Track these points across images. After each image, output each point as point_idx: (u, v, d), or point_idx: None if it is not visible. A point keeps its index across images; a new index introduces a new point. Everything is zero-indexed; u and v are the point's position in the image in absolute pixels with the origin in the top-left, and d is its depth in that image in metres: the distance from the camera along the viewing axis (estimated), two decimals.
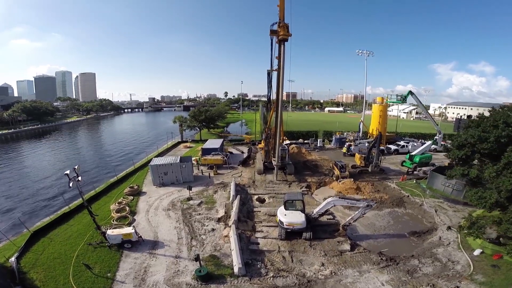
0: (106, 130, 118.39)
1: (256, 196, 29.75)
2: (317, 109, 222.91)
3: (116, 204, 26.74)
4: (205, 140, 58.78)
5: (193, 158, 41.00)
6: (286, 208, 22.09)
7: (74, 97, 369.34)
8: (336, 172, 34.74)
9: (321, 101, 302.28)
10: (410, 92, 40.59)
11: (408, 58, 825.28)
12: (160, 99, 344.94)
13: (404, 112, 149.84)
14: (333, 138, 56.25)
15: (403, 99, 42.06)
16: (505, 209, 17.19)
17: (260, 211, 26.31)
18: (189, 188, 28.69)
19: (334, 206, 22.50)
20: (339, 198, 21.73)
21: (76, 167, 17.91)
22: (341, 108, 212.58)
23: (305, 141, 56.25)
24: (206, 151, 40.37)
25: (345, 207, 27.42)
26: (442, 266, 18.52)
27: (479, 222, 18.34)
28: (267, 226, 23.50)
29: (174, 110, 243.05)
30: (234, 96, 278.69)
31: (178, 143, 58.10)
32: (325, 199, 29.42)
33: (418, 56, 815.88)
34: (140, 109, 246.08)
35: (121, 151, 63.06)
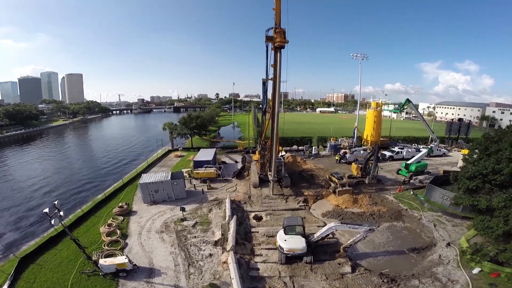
0: (94, 135, 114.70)
1: (252, 214, 28.79)
2: (308, 109, 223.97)
3: (106, 227, 25.28)
4: (197, 148, 57.72)
5: (184, 171, 39.70)
6: (286, 233, 21.38)
7: (60, 98, 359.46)
8: (333, 184, 34.06)
9: (312, 100, 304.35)
10: (408, 100, 40.38)
11: (396, 57, 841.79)
12: (149, 100, 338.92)
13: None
14: (328, 145, 55.78)
15: (400, 108, 41.83)
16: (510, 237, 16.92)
17: (258, 232, 25.43)
18: (183, 210, 27.39)
19: (336, 231, 22.06)
20: (341, 223, 21.18)
21: (55, 202, 16.51)
22: (332, 109, 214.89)
23: (300, 148, 55.54)
24: (198, 164, 38.93)
25: (343, 222, 27.09)
26: (442, 286, 18.51)
27: (483, 250, 18.21)
28: (266, 248, 22.77)
29: (164, 111, 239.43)
30: (225, 96, 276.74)
31: (169, 152, 56.27)
32: (323, 215, 29.30)
33: (406, 55, 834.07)
34: (129, 111, 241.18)
35: (109, 161, 60.70)
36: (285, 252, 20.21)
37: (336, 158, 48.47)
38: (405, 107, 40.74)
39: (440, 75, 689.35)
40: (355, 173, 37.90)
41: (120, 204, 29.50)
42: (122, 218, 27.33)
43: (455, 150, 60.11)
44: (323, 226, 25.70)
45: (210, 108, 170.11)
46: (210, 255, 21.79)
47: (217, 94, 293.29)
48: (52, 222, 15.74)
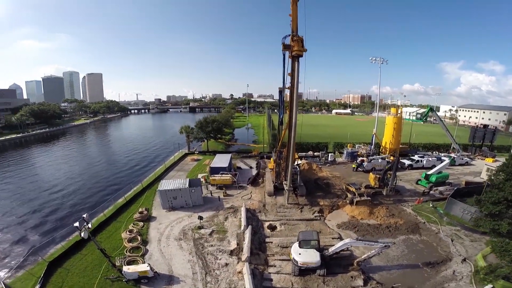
0: (113, 135, 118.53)
1: (267, 223, 28.97)
2: (324, 111, 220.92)
3: (127, 233, 26.25)
4: (212, 152, 58.76)
5: (201, 176, 40.55)
6: (300, 247, 21.57)
7: (81, 97, 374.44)
8: (350, 195, 33.65)
9: (327, 101, 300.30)
10: (431, 109, 39.21)
11: (415, 56, 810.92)
12: (166, 100, 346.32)
13: (414, 114, 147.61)
14: (345, 152, 54.84)
15: (423, 117, 40.60)
16: None
17: (272, 242, 25.65)
18: (200, 218, 28.04)
19: (351, 247, 22.13)
20: (356, 240, 21.32)
21: (84, 215, 17.46)
22: (348, 110, 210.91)
23: (315, 154, 55.08)
24: (214, 170, 39.60)
25: (358, 234, 26.99)
26: None
27: (497, 271, 18.35)
28: (279, 260, 23.04)
29: (180, 111, 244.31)
30: (239, 97, 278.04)
31: (185, 155, 57.46)
32: (338, 226, 29.13)
33: (426, 54, 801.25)
34: (146, 110, 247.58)
35: (130, 162, 62.86)
36: (299, 265, 20.47)
37: (353, 166, 47.73)
38: (428, 116, 39.43)
39: (462, 75, 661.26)
40: (373, 183, 37.25)
41: (140, 210, 30.51)
42: (142, 224, 28.29)
43: (478, 159, 57.70)
44: (338, 238, 26.06)
45: (224, 109, 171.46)
46: (226, 264, 22.35)
47: (232, 95, 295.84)
48: (82, 234, 16.68)
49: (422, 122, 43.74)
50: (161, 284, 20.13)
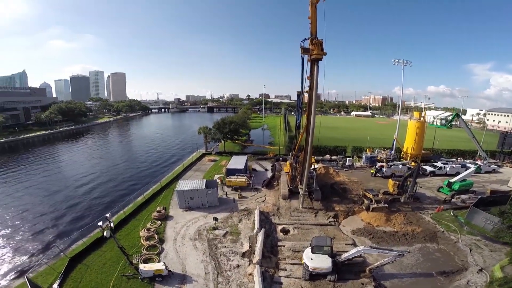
0: (135, 134, 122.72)
1: (280, 227, 28.92)
2: (343, 113, 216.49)
3: (145, 231, 27.15)
4: (229, 153, 59.43)
5: (217, 177, 41.15)
6: (313, 252, 21.47)
7: (105, 96, 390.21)
8: (367, 201, 32.87)
9: (347, 103, 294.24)
10: (457, 115, 37.44)
11: (440, 56, 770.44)
12: (185, 99, 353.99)
13: (439, 119, 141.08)
14: (363, 156, 53.51)
15: (448, 123, 38.84)
16: None
17: (284, 246, 25.66)
18: (215, 220, 28.56)
19: (364, 254, 21.87)
20: (370, 247, 21.05)
21: (107, 215, 18.28)
22: (368, 112, 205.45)
23: (333, 158, 54.17)
24: (230, 172, 40.06)
25: (373, 241, 26.60)
26: None
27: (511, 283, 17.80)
28: (291, 263, 23.09)
29: (199, 111, 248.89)
30: (256, 97, 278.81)
31: (203, 155, 58.59)
32: (353, 232, 28.70)
33: (452, 55, 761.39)
34: (166, 110, 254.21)
35: (150, 161, 64.90)
36: (309, 270, 20.43)
37: (372, 171, 46.51)
38: (454, 122, 37.64)
39: (492, 77, 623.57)
40: (391, 189, 36.15)
41: (158, 209, 31.43)
42: (159, 222, 29.16)
43: (507, 166, 54.52)
44: (352, 245, 25.77)
45: (241, 109, 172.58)
46: (238, 266, 22.68)
47: (248, 95, 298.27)
48: (105, 233, 17.47)
49: (446, 128, 41.50)
50: (174, 283, 20.68)
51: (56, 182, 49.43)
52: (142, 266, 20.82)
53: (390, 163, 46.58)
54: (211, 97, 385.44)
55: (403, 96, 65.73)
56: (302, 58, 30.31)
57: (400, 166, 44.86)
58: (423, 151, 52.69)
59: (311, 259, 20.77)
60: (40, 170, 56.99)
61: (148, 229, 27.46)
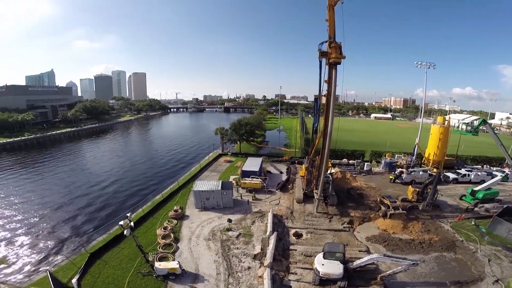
0: (154, 132, 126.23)
1: (293, 230, 28.84)
2: (362, 115, 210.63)
3: (162, 230, 27.96)
4: (244, 154, 59.95)
5: (232, 178, 41.62)
6: (325, 257, 21.35)
7: (127, 95, 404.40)
8: (384, 208, 32.04)
9: (366, 104, 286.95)
10: (484, 121, 35.67)
11: (467, 57, 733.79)
12: (202, 99, 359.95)
13: (465, 123, 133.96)
14: (382, 162, 51.94)
15: (474, 130, 37.04)
16: None
17: (296, 250, 25.62)
18: (229, 221, 28.99)
19: (377, 261, 21.62)
20: (384, 256, 20.93)
21: (128, 214, 19.02)
22: (389, 115, 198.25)
23: (350, 162, 53.14)
24: (245, 173, 40.41)
25: (388, 249, 26.08)
26: None
27: None
28: (301, 268, 23.08)
29: (216, 111, 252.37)
30: (272, 98, 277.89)
31: (219, 156, 59.41)
32: (368, 239, 28.21)
33: (479, 55, 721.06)
34: (184, 109, 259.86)
35: (168, 160, 66.72)
36: (320, 275, 20.33)
37: (391, 177, 45.17)
38: (480, 128, 35.89)
39: None
40: (410, 196, 35.02)
41: (175, 208, 32.27)
42: (176, 221, 29.90)
43: None
44: (366, 252, 25.44)
45: (257, 109, 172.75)
46: (249, 268, 22.89)
47: (264, 96, 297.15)
48: (125, 232, 18.25)
49: (472, 135, 39.48)
50: (187, 281, 21.16)
51: (81, 178, 51.87)
52: (157, 264, 21.46)
53: (410, 169, 45.02)
54: (228, 97, 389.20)
55: (426, 98, 63.31)
56: (320, 62, 29.92)
57: (420, 173, 43.28)
58: (446, 157, 50.52)
59: (323, 264, 20.72)
60: (66, 168, 60.04)
61: (165, 228, 28.27)
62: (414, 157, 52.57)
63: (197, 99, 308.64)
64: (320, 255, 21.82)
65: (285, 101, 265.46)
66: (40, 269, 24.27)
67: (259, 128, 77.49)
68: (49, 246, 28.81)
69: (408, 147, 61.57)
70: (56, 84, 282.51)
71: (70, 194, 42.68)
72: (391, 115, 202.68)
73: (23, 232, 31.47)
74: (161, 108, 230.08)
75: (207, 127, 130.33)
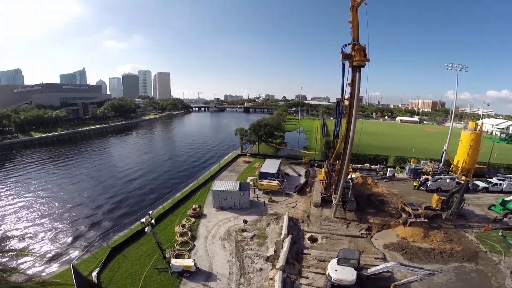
0: (177, 131, 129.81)
1: (308, 234, 28.50)
2: (387, 117, 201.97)
3: (180, 227, 28.80)
4: (263, 155, 60.11)
5: (250, 179, 41.84)
6: (338, 263, 21.01)
7: (152, 94, 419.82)
8: (405, 215, 30.80)
9: (392, 106, 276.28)
10: None
11: (503, 56, 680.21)
12: (223, 99, 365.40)
13: (499, 129, 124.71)
14: (407, 167, 49.52)
15: (509, 138, 34.69)
16: None
17: (310, 254, 25.39)
18: (245, 222, 29.20)
19: (392, 270, 21.07)
20: (399, 265, 20.15)
21: (150, 212, 19.88)
22: (416, 118, 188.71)
23: (372, 167, 51.47)
24: (263, 175, 40.44)
25: (405, 257, 25.31)
26: None
27: None
28: (314, 272, 22.92)
29: (236, 111, 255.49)
30: (292, 99, 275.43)
31: (238, 156, 59.99)
32: (385, 246, 27.43)
33: None
34: (206, 109, 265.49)
35: (189, 158, 68.46)
36: (332, 280, 20.02)
37: (415, 184, 43.20)
38: None
39: None
40: (434, 205, 33.43)
41: (194, 206, 33.11)
42: (194, 220, 30.65)
43: None
44: (382, 259, 24.89)
45: (276, 110, 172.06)
46: (261, 269, 23.06)
47: (284, 97, 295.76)
48: (146, 229, 19.05)
49: (507, 144, 36.93)
50: (200, 279, 21.68)
51: (106, 173, 54.72)
52: (173, 261, 22.13)
53: (436, 177, 42.83)
54: (248, 97, 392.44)
55: (457, 101, 59.87)
56: (343, 64, 29.26)
57: (448, 180, 41.00)
58: (476, 165, 47.53)
59: (336, 270, 20.44)
60: (94, 163, 63.58)
61: (183, 226, 29.08)
62: (441, 164, 49.85)
63: (218, 98, 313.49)
64: (334, 260, 21.54)
65: (306, 102, 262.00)
66: (63, 261, 25.69)
67: (278, 130, 77.29)
68: (72, 239, 30.29)
69: (435, 153, 58.63)
70: (87, 83, 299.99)
71: (96, 190, 44.98)
72: (419, 118, 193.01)
73: (50, 225, 33.24)
74: (184, 107, 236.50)
75: (227, 126, 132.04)
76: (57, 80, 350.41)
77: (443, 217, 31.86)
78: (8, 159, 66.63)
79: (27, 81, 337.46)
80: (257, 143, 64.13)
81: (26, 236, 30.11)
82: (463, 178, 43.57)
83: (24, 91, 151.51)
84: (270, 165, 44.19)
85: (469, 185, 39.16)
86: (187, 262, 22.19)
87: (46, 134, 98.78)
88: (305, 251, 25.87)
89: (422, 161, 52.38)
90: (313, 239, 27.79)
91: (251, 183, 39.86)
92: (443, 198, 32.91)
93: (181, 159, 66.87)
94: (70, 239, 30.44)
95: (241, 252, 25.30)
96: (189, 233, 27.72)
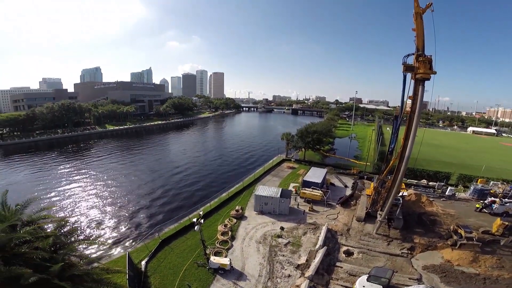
0: (228, 131, 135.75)
1: (345, 248, 28.02)
2: (456, 127, 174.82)
3: (223, 226, 30.99)
4: (308, 162, 59.51)
5: (292, 186, 42.16)
6: (368, 280, 20.72)
7: (207, 93, 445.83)
8: (456, 237, 28.18)
9: (463, 114, 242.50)
10: None
11: None
12: (272, 99, 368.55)
13: None
14: (472, 187, 43.89)
15: None
16: None
17: (342, 267, 25.12)
18: (282, 229, 29.97)
19: None
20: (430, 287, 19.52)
21: (200, 212, 22.26)
22: (493, 130, 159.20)
23: (430, 183, 46.86)
24: (306, 184, 40.48)
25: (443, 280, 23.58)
26: None
27: None
28: (341, 285, 22.80)
29: (284, 112, 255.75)
30: (345, 101, 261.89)
31: (283, 161, 60.43)
32: (424, 267, 25.63)
33: None
34: (255, 109, 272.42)
35: (237, 158, 71.92)
36: None
37: (477, 206, 38.24)
38: None
39: None
40: (494, 229, 29.79)
41: (237, 208, 35.24)
42: (235, 220, 32.62)
43: None
44: (417, 280, 23.70)
45: (327, 114, 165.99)
46: (289, 276, 23.78)
47: (337, 100, 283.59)
48: (196, 228, 21.45)
49: None
50: (232, 277, 23.31)
51: (165, 167, 60.98)
52: (212, 258, 24.14)
53: (506, 200, 37.30)
54: (297, 98, 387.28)
55: None
56: (404, 76, 27.34)
57: None
58: None
59: (363, 286, 20.26)
60: (155, 156, 71.42)
61: (225, 225, 31.22)
62: None
63: (266, 99, 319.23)
64: (365, 277, 21.34)
65: (361, 105, 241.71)
66: (119, 248, 29.23)
67: (327, 136, 75.12)
68: (130, 228, 34.21)
69: (511, 173, 50.52)
70: (153, 81, 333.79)
71: (154, 183, 50.27)
72: (496, 130, 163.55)
73: (113, 213, 38.16)
74: (235, 106, 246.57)
75: (274, 129, 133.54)
76: (128, 78, 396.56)
77: (502, 243, 28.30)
78: (87, 148, 79.36)
79: (105, 79, 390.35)
80: (303, 149, 63.50)
81: (94, 222, 35.43)
82: None
83: (102, 88, 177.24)
84: (315, 174, 43.84)
85: None
86: (223, 260, 23.99)
87: (117, 127, 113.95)
88: (338, 263, 25.68)
89: (491, 182, 45.80)
90: (348, 253, 27.38)
91: (293, 190, 40.30)
92: (507, 224, 29.43)
93: (229, 159, 70.38)
94: (128, 227, 34.51)
95: (273, 257, 26.30)
96: (230, 233, 29.69)
